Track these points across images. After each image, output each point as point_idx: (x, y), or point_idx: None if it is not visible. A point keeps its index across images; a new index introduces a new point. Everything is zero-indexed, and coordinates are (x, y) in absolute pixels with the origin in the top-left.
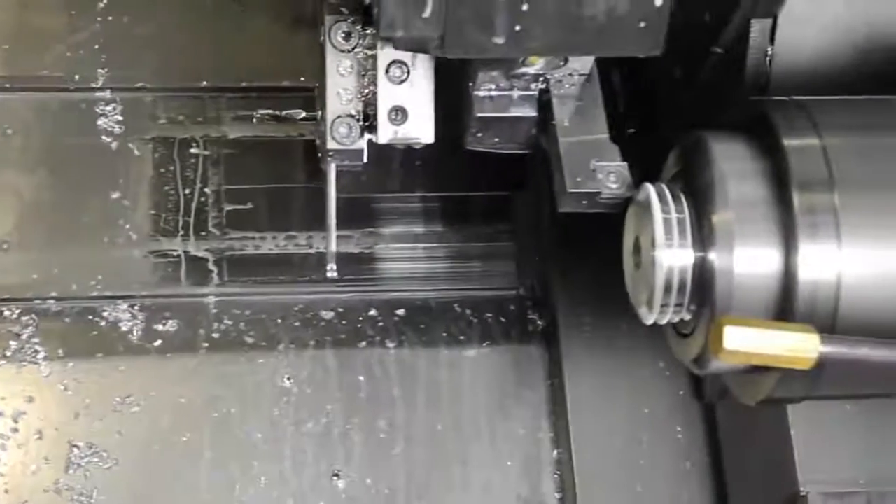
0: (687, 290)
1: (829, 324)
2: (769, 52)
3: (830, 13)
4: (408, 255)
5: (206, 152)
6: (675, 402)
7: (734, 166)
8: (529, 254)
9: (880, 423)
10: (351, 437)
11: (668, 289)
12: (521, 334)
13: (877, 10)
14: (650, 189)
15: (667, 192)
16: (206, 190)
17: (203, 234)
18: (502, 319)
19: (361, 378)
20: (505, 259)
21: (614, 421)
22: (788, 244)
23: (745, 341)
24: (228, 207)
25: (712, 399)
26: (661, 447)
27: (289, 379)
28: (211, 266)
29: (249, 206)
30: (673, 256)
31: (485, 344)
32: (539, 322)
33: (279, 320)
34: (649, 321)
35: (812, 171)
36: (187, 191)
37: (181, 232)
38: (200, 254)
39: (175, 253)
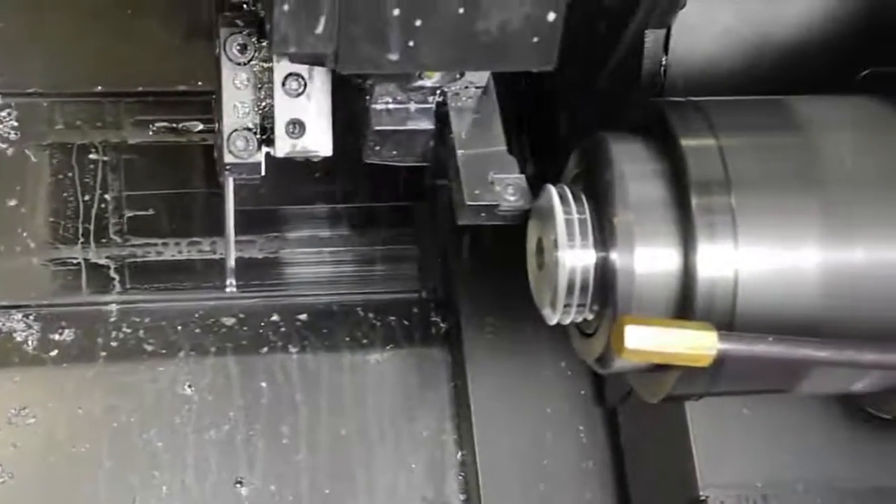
0: (589, 290)
1: (727, 321)
2: (663, 62)
3: (721, 21)
4: (311, 260)
5: (106, 158)
6: (577, 402)
7: (634, 167)
8: (432, 256)
9: (776, 425)
10: (254, 443)
11: (570, 289)
12: (425, 337)
13: (764, 16)
14: (552, 190)
15: (568, 193)
16: (107, 196)
17: (104, 241)
18: (405, 322)
19: (263, 384)
20: (408, 262)
21: (517, 421)
22: (687, 243)
23: (645, 340)
24: (129, 214)
25: (614, 403)
26: (563, 447)
27: (190, 386)
28: (112, 273)
29: (151, 212)
30: (575, 257)
31: (388, 347)
32: (442, 324)
33: (179, 327)
34: (553, 321)
35: (709, 172)
36: (87, 197)
37: (81, 239)
38: (101, 261)
39: (75, 261)
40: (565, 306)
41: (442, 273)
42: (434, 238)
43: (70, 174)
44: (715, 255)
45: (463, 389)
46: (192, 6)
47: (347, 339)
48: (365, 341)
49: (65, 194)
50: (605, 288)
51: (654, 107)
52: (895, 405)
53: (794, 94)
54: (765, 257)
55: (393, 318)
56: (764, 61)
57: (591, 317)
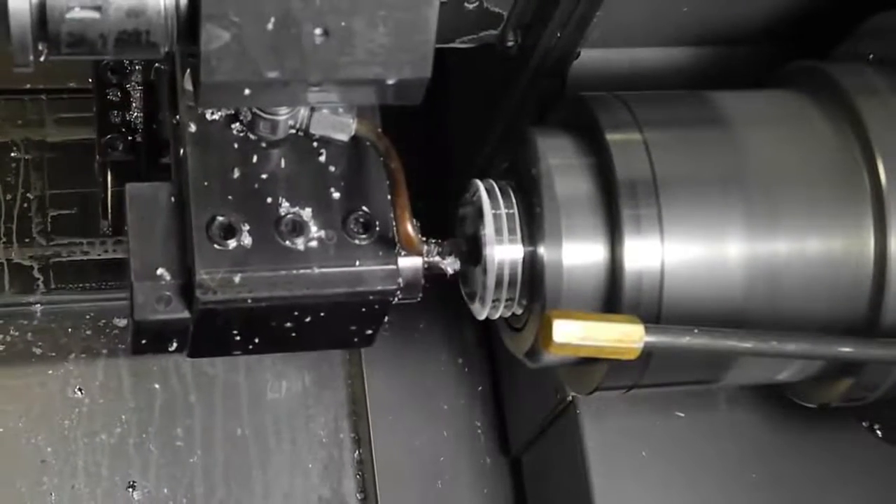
0: (518, 284)
1: (654, 313)
2: None
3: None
4: None
5: (28, 156)
6: (473, 397)
7: (561, 161)
8: None
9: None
10: (146, 446)
11: (499, 284)
12: None
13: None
14: (480, 186)
15: (496, 188)
16: (29, 195)
17: (27, 240)
18: None
19: (157, 385)
20: None
21: (414, 418)
22: (614, 237)
23: (573, 334)
24: (53, 213)
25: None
26: (461, 442)
27: (80, 390)
28: (36, 274)
29: (74, 210)
30: (503, 252)
31: None
32: None
33: (70, 329)
34: (482, 316)
35: (635, 166)
36: (8, 196)
37: (3, 239)
38: (25, 262)
39: None
40: (494, 301)
41: None
42: None
43: None
44: (641, 248)
45: (360, 388)
46: None
47: None
48: None
49: None
50: (533, 282)
51: (580, 101)
52: (819, 394)
53: None
54: (690, 249)
55: None
56: None
57: (520, 311)
